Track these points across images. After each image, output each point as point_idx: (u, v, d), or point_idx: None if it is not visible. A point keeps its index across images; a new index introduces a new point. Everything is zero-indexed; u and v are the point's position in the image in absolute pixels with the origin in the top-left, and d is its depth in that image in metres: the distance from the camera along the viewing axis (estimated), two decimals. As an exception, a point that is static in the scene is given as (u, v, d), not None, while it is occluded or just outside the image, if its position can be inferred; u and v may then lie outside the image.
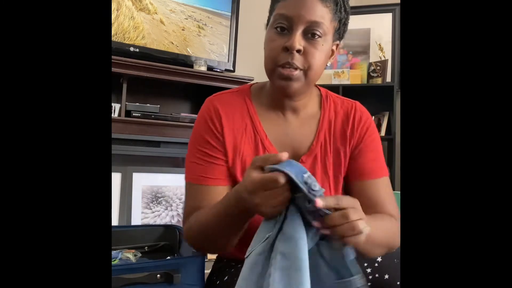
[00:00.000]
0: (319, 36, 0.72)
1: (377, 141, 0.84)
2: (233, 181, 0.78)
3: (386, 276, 0.73)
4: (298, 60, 0.72)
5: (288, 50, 0.71)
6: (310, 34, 0.72)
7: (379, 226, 0.68)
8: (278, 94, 0.79)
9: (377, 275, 0.73)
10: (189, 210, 0.77)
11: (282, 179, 0.56)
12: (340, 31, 0.80)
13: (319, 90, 0.87)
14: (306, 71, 0.73)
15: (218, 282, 0.80)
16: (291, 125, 0.81)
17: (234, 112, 0.80)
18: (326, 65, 0.80)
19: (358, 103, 0.86)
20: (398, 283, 0.72)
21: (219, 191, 0.75)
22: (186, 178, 0.79)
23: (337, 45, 0.82)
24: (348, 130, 0.81)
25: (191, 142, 0.80)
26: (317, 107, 0.84)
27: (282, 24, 0.72)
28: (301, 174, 0.58)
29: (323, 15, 0.72)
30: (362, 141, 0.81)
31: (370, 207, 0.74)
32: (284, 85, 0.73)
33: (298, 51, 0.71)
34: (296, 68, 0.72)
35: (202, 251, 0.80)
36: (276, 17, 0.73)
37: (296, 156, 0.79)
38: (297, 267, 0.56)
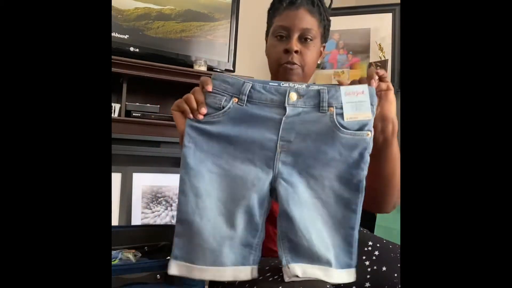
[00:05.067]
0: (310, 40, 0.92)
1: None
2: None
3: (384, 268, 0.82)
4: (296, 58, 0.91)
5: (288, 51, 0.91)
6: (303, 38, 0.92)
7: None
8: None
9: (375, 267, 0.83)
10: None
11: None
12: (325, 35, 0.99)
13: None
14: (303, 67, 0.93)
15: None
16: None
17: None
18: (318, 63, 1.00)
19: None
20: (396, 274, 0.80)
21: None
22: None
23: (324, 46, 1.02)
24: None
25: None
26: None
27: (281, 33, 0.92)
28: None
29: (312, 23, 0.92)
30: None
31: None
32: (288, 78, 0.92)
33: (296, 51, 0.91)
34: (295, 64, 0.91)
35: None
36: (276, 28, 0.93)
37: None
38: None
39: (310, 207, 0.72)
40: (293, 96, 0.72)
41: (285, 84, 0.73)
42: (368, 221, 1.40)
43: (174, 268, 0.72)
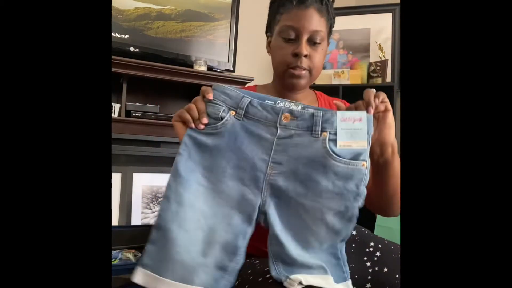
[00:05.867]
0: (319, 43, 0.89)
1: None
2: None
3: (385, 270, 0.80)
4: (305, 62, 0.88)
5: (297, 55, 0.88)
6: (312, 41, 0.88)
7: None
8: (286, 89, 0.94)
9: (376, 269, 0.82)
10: None
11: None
12: (330, 32, 0.95)
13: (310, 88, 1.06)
14: (311, 70, 0.90)
15: None
16: None
17: None
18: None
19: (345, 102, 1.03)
20: (397, 275, 0.79)
21: None
22: None
23: (328, 43, 0.97)
24: None
25: None
26: (314, 99, 1.02)
27: (290, 34, 0.88)
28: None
29: (321, 24, 0.89)
30: None
31: None
32: (295, 82, 0.90)
33: (305, 56, 0.88)
34: (303, 69, 0.89)
35: None
36: (283, 28, 0.89)
37: None
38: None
39: (300, 232, 0.69)
40: (287, 117, 0.70)
41: (280, 104, 0.71)
42: (368, 221, 1.39)
43: (140, 277, 0.66)
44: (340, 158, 0.68)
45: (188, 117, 0.72)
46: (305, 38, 0.87)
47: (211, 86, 0.74)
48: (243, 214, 0.69)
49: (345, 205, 0.68)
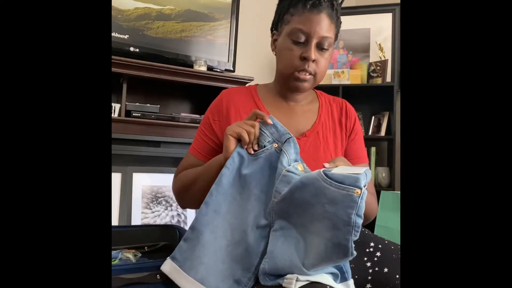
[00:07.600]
0: (326, 49, 0.91)
1: (362, 132, 1.04)
2: None
3: (385, 270, 0.81)
4: (311, 67, 0.90)
5: (305, 59, 0.89)
6: (320, 47, 0.90)
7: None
8: (289, 91, 0.97)
9: (377, 269, 0.82)
10: (179, 170, 0.98)
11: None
12: (336, 38, 0.97)
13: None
14: (315, 75, 0.92)
15: None
16: (294, 110, 0.98)
17: (240, 99, 0.97)
18: None
19: (345, 100, 1.06)
20: (397, 275, 0.79)
21: (201, 164, 0.92)
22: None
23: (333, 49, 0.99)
24: (343, 119, 1.00)
25: (201, 121, 1.01)
26: (315, 98, 1.04)
27: (300, 37, 0.89)
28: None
29: (331, 30, 0.90)
30: (353, 130, 1.00)
31: None
32: (299, 85, 0.93)
33: (313, 60, 0.89)
34: (309, 73, 0.91)
35: (181, 202, 0.99)
36: (294, 30, 0.89)
37: (299, 133, 0.94)
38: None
39: (296, 255, 0.71)
40: (300, 167, 0.77)
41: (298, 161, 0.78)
42: (368, 221, 1.39)
43: (168, 267, 0.76)
44: (331, 181, 0.66)
45: (247, 138, 0.79)
46: (314, 42, 0.88)
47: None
48: (258, 234, 0.76)
49: (336, 235, 0.66)
